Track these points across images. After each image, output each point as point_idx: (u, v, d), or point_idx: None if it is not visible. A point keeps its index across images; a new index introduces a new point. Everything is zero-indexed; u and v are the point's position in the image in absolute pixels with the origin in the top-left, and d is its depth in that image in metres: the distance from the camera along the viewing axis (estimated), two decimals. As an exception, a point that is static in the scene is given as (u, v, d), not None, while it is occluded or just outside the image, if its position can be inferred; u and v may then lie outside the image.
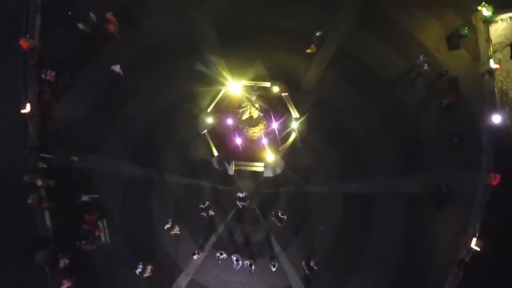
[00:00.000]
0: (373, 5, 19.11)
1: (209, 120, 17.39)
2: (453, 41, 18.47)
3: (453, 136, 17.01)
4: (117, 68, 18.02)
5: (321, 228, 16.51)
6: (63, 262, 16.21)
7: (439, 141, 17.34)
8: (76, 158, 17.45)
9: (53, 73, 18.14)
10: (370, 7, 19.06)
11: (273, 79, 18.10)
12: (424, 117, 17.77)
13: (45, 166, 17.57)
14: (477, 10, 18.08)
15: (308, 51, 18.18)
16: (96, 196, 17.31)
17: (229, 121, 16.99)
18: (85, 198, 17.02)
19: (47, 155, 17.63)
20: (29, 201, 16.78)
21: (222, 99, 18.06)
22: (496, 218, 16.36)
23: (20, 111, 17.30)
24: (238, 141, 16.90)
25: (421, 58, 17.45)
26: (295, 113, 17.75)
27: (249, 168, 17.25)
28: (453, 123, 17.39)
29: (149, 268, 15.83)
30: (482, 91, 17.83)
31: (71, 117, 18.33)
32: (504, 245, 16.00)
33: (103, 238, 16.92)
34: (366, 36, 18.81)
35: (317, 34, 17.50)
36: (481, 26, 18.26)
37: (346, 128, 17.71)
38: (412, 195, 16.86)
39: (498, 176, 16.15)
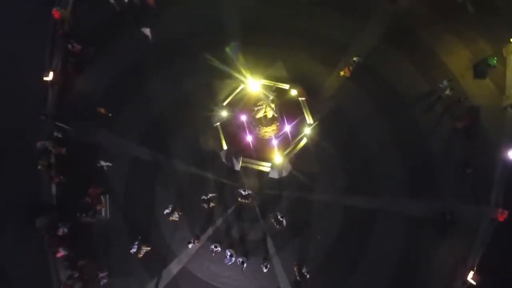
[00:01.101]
0: (404, 22, 18.99)
1: (224, 113, 17.49)
2: (480, 69, 18.14)
3: (466, 166, 16.69)
4: (147, 31, 18.39)
5: (318, 237, 16.43)
6: (62, 231, 16.57)
7: (451, 168, 17.06)
8: (103, 110, 17.88)
9: (79, 46, 18.65)
10: (401, 24, 18.94)
11: (292, 82, 18.12)
12: (439, 141, 17.51)
13: (59, 135, 17.96)
14: (510, 42, 17.70)
15: (341, 73, 17.96)
16: (110, 164, 17.61)
17: (243, 118, 17.07)
18: (101, 163, 17.43)
19: (62, 125, 18.00)
20: (39, 166, 17.23)
21: (239, 95, 18.14)
22: (497, 254, 16.01)
23: (42, 78, 17.73)
24: (249, 138, 16.98)
25: (445, 83, 17.21)
26: (309, 119, 17.70)
27: (255, 167, 17.28)
28: (468, 152, 17.10)
29: (143, 249, 16.08)
30: (502, 125, 17.45)
31: (90, 91, 18.74)
32: (502, 284, 15.68)
33: (103, 213, 17.20)
34: (393, 52, 18.72)
35: (354, 59, 17.38)
36: (511, 59, 17.88)
37: (358, 142, 17.60)
38: (415, 218, 16.62)
39: (506, 212, 15.82)
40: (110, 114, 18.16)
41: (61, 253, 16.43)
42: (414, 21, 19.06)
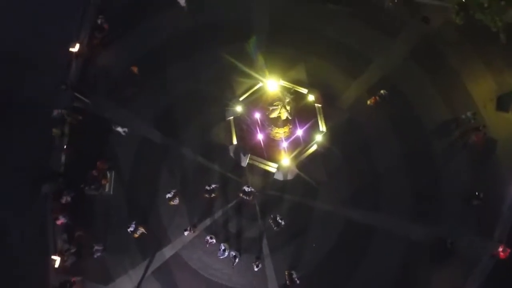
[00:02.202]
0: (433, 44, 18.81)
1: (238, 108, 17.57)
2: (503, 102, 17.77)
3: (474, 197, 16.32)
4: (182, 1, 18.74)
5: (314, 245, 16.34)
6: (65, 199, 16.91)
7: (459, 197, 16.74)
8: (135, 69, 18.28)
9: (107, 23, 19.06)
10: (430, 45, 18.77)
11: (311, 87, 18.09)
12: (450, 168, 17.20)
13: (76, 106, 18.40)
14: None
15: (368, 102, 17.77)
16: (126, 130, 17.90)
17: (257, 115, 17.11)
18: (118, 128, 17.78)
19: (81, 97, 18.38)
20: (53, 134, 17.66)
21: (256, 92, 18.18)
22: (493, 291, 15.73)
23: (68, 49, 18.11)
24: (260, 137, 17.02)
25: (469, 114, 16.90)
26: (322, 126, 17.62)
27: (262, 166, 17.29)
28: (478, 183, 16.73)
29: (140, 229, 16.28)
30: (517, 161, 17.11)
31: (112, 68, 19.11)
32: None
33: (107, 188, 17.49)
34: (417, 73, 18.55)
35: (382, 92, 17.18)
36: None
37: (368, 157, 17.43)
38: (415, 241, 16.36)
39: (509, 251, 15.46)
40: (139, 77, 18.46)
41: (61, 220, 16.76)
42: (443, 44, 18.86)
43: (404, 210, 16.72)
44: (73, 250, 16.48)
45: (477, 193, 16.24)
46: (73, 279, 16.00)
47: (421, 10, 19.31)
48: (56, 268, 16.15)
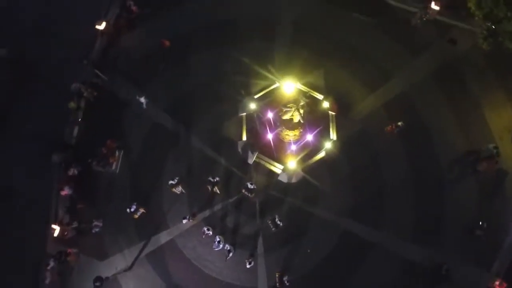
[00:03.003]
0: (457, 66, 18.60)
1: (252, 105, 17.64)
2: (522, 135, 17.44)
3: (477, 227, 16.06)
4: None
5: (308, 251, 16.30)
6: (72, 171, 17.26)
7: (461, 224, 16.50)
8: (167, 43, 18.57)
9: (136, 7, 19.36)
10: (453, 67, 18.57)
11: (327, 93, 18.05)
12: (457, 195, 16.92)
13: (95, 82, 18.76)
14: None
15: (386, 129, 17.54)
16: (148, 101, 18.22)
17: (269, 115, 17.16)
18: (141, 99, 18.13)
19: (101, 74, 18.74)
20: (69, 106, 18.07)
21: (272, 92, 18.22)
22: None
23: (95, 26, 18.48)
24: (269, 136, 17.06)
25: (490, 147, 16.58)
26: (333, 135, 17.56)
27: (268, 165, 17.34)
28: (483, 213, 16.46)
29: (140, 211, 16.50)
30: (527, 196, 16.77)
31: (134, 50, 19.44)
32: None
33: (113, 167, 17.78)
34: (435, 94, 18.36)
35: (399, 123, 16.95)
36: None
37: (375, 172, 17.30)
38: (410, 262, 16.15)
39: (505, 285, 15.15)
40: (169, 52, 18.80)
41: (66, 191, 17.12)
42: (467, 69, 18.62)
43: (404, 229, 16.53)
44: (75, 226, 16.79)
45: (480, 223, 15.99)
46: (69, 250, 16.32)
47: (449, 31, 19.13)
48: (54, 237, 16.47)
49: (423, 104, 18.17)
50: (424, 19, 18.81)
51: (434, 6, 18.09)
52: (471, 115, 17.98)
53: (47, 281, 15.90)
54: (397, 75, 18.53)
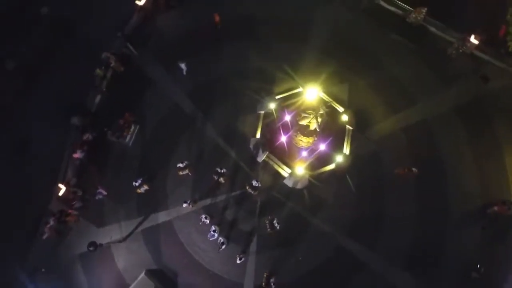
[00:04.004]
0: (484, 104, 18.17)
1: (272, 105, 17.70)
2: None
3: (474, 269, 15.65)
4: None
5: (300, 259, 16.25)
6: (87, 136, 17.75)
7: (459, 264, 16.10)
8: (218, 18, 18.89)
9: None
10: (481, 104, 18.14)
11: (348, 107, 17.96)
12: (460, 233, 16.55)
13: (125, 54, 19.16)
14: None
15: (397, 172, 17.03)
16: (188, 69, 18.68)
17: (287, 117, 17.19)
18: (181, 65, 18.51)
19: (132, 48, 19.16)
20: (95, 73, 18.55)
21: (294, 95, 18.23)
22: None
23: (134, 0, 18.88)
24: (283, 138, 17.10)
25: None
26: (346, 149, 17.44)
27: (276, 167, 17.37)
28: (483, 257, 16.02)
29: (144, 187, 16.78)
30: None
31: (169, 30, 19.83)
32: None
33: (127, 139, 18.17)
34: (458, 128, 17.96)
35: (413, 169, 16.50)
36: None
37: (381, 194, 17.05)
38: (398, 290, 16.01)
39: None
40: (219, 27, 19.16)
41: (78, 155, 17.60)
42: (495, 109, 18.17)
43: (400, 256, 16.28)
44: (80, 194, 17.21)
45: (478, 266, 15.61)
46: (70, 211, 16.76)
47: (483, 68, 18.67)
48: (58, 196, 16.96)
49: (442, 137, 17.81)
50: (461, 50, 18.45)
51: (473, 39, 17.74)
52: (491, 159, 17.45)
53: (44, 237, 16.40)
54: (422, 102, 18.25)
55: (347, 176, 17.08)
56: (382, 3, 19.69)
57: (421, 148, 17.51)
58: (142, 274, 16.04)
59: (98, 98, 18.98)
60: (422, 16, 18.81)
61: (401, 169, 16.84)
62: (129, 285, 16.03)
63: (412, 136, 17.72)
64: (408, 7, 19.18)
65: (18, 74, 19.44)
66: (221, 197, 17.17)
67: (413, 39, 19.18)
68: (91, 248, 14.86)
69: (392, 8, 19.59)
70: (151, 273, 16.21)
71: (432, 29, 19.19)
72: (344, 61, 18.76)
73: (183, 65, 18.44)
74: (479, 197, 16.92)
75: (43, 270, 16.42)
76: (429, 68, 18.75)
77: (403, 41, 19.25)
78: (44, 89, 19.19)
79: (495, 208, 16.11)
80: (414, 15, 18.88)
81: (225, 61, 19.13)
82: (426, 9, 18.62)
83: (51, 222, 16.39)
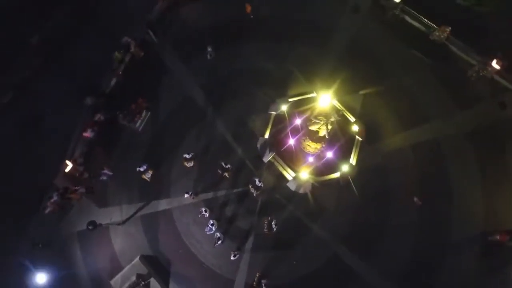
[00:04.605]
0: (499, 131, 17.89)
1: (284, 107, 17.71)
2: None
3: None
4: None
5: (294, 263, 16.23)
6: (99, 117, 18.03)
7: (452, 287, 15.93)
8: (249, 8, 19.15)
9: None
10: (495, 131, 17.85)
11: (360, 118, 17.88)
12: (458, 258, 16.28)
13: (145, 41, 19.38)
14: None
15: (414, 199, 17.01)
16: (214, 54, 19.06)
17: (298, 121, 17.19)
18: (209, 49, 18.85)
19: (153, 35, 19.35)
20: (114, 56, 18.81)
21: (307, 100, 18.22)
22: None
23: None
24: (291, 142, 17.11)
25: None
26: (353, 159, 17.36)
27: (280, 168, 17.37)
28: (479, 284, 15.81)
29: (149, 173, 16.97)
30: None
31: (191, 22, 20.01)
32: None
33: (137, 124, 18.38)
34: (469, 153, 17.64)
35: (415, 199, 16.67)
36: None
37: (382, 208, 16.91)
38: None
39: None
40: (252, 16, 19.40)
41: (88, 134, 17.88)
42: (509, 135, 17.84)
43: (394, 273, 16.10)
44: (86, 176, 17.48)
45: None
46: (74, 188, 17.02)
47: (502, 94, 18.39)
48: (65, 173, 17.23)
49: (452, 160, 17.58)
50: (481, 74, 18.23)
51: (495, 64, 17.50)
52: (499, 187, 17.16)
53: (47, 211, 16.68)
54: (436, 121, 18.06)
55: (353, 186, 16.91)
56: (407, 18, 19.58)
57: (429, 167, 17.29)
58: (137, 259, 16.22)
59: (113, 81, 19.23)
60: (446, 35, 18.64)
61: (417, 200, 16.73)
62: (123, 267, 16.23)
63: (421, 154, 17.54)
64: (433, 24, 19.02)
65: (40, 50, 19.78)
66: (223, 192, 17.23)
67: (433, 57, 19.01)
68: (90, 227, 15.06)
69: (416, 24, 19.45)
70: (146, 259, 16.38)
71: (454, 49, 18.98)
72: (361, 71, 18.70)
73: (209, 49, 18.68)
74: (483, 223, 16.64)
75: (40, 245, 16.67)
76: (447, 88, 18.55)
77: (424, 58, 19.11)
78: (62, 67, 19.52)
79: (497, 236, 15.86)
80: (437, 33, 18.72)
81: (243, 58, 19.24)
82: (450, 28, 18.43)
83: (55, 198, 16.67)
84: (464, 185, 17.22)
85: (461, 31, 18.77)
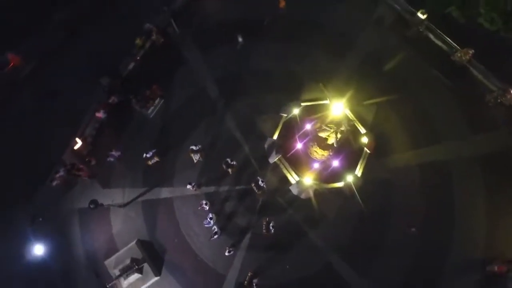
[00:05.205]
0: (508, 158, 17.52)
1: (296, 110, 17.70)
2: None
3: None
4: None
5: (287, 267, 16.19)
6: (113, 99, 18.32)
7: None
8: (283, 3, 19.28)
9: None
10: (508, 160, 17.47)
11: (371, 131, 17.77)
12: (452, 284, 16.02)
13: (166, 30, 19.67)
14: None
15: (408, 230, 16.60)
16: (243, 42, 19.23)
17: (307, 126, 17.16)
18: (240, 38, 19.00)
19: (175, 25, 19.54)
20: (135, 42, 19.16)
21: (320, 107, 18.19)
22: None
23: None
24: (299, 146, 17.11)
25: None
26: (359, 171, 17.25)
27: (285, 171, 17.35)
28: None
29: (155, 160, 17.15)
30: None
31: (215, 15, 20.23)
32: None
33: (149, 111, 18.59)
34: (478, 178, 17.30)
35: (412, 229, 16.29)
36: None
37: (383, 224, 16.72)
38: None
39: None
40: (284, 11, 19.47)
41: (100, 114, 18.22)
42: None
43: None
44: (93, 163, 17.80)
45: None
46: (81, 165, 17.31)
47: (519, 123, 18.07)
48: (73, 149, 17.60)
49: (459, 184, 17.26)
50: (499, 100, 17.94)
51: (514, 92, 17.22)
52: (505, 216, 16.78)
53: (53, 183, 17.01)
54: (447, 142, 17.80)
55: (357, 197, 16.71)
56: (430, 36, 19.36)
57: (434, 189, 17.05)
58: (133, 243, 16.42)
59: (131, 65, 19.52)
60: (468, 57, 18.38)
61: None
62: (119, 249, 16.46)
63: (429, 174, 17.31)
64: (456, 45, 18.78)
65: (63, 27, 20.17)
66: (225, 188, 17.30)
67: (453, 78, 18.76)
68: (92, 206, 15.29)
69: (439, 43, 19.23)
70: (142, 244, 16.58)
71: (475, 72, 18.70)
72: (377, 84, 18.57)
73: (240, 38, 18.82)
74: (483, 251, 16.35)
75: (40, 219, 17.02)
76: (463, 110, 18.28)
77: (442, 78, 18.87)
78: (83, 46, 19.92)
79: (495, 267, 15.58)
80: (459, 54, 18.47)
81: (261, 57, 19.31)
82: (473, 51, 18.16)
83: (61, 172, 16.97)
84: (468, 211, 16.92)
85: (484, 55, 18.48)
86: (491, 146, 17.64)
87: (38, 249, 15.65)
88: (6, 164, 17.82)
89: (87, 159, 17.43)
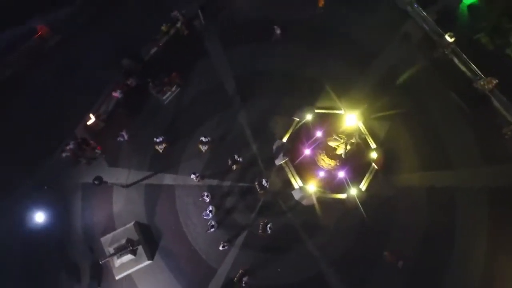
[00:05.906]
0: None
1: (308, 116, 17.67)
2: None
3: None
4: None
5: (279, 270, 16.17)
6: (131, 81, 18.58)
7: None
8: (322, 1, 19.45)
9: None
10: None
11: (381, 146, 17.61)
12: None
13: (193, 20, 19.95)
14: None
15: (385, 255, 16.36)
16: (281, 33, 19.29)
17: (318, 133, 17.11)
18: (277, 31, 19.15)
19: (201, 16, 19.76)
20: (161, 27, 19.50)
21: (333, 115, 18.13)
22: None
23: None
24: (307, 152, 17.07)
25: None
26: (363, 185, 17.11)
27: (289, 175, 17.33)
28: None
29: (163, 145, 17.34)
30: None
31: (243, 11, 20.44)
32: None
33: (165, 97, 18.79)
34: (483, 212, 16.90)
35: (400, 262, 16.01)
36: None
37: (383, 240, 16.53)
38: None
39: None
40: (321, 10, 19.83)
41: (116, 94, 18.51)
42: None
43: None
44: (99, 154, 18.10)
45: None
46: (92, 142, 17.61)
47: (533, 160, 17.63)
48: (86, 125, 17.93)
49: (464, 212, 16.91)
50: (516, 133, 17.58)
51: (533, 128, 16.82)
52: (505, 255, 16.35)
53: (63, 155, 17.41)
54: (457, 170, 17.48)
55: (361, 210, 16.51)
56: (455, 59, 19.05)
57: (438, 215, 16.77)
58: (131, 224, 16.64)
59: (153, 50, 19.77)
60: (491, 87, 18.00)
61: (388, 254, 16.20)
62: (116, 228, 16.71)
63: (434, 199, 17.02)
64: (480, 72, 18.43)
65: (89, 7, 20.54)
66: (228, 183, 17.37)
67: (472, 106, 18.37)
68: (96, 182, 15.53)
69: (463, 68, 18.90)
70: (139, 226, 16.80)
71: (496, 103, 18.31)
72: (394, 101, 18.35)
73: (278, 30, 18.90)
74: (477, 285, 16.03)
75: (45, 187, 17.38)
76: (477, 139, 17.91)
77: (461, 104, 18.52)
78: (109, 25, 20.25)
79: None
80: (482, 83, 18.11)
81: (282, 59, 19.33)
82: (497, 81, 17.81)
83: (71, 145, 17.30)
84: (469, 242, 16.58)
85: (508, 87, 18.07)
86: (502, 179, 17.25)
87: (39, 217, 16.01)
88: (20, 130, 18.30)
89: (92, 145, 17.68)
